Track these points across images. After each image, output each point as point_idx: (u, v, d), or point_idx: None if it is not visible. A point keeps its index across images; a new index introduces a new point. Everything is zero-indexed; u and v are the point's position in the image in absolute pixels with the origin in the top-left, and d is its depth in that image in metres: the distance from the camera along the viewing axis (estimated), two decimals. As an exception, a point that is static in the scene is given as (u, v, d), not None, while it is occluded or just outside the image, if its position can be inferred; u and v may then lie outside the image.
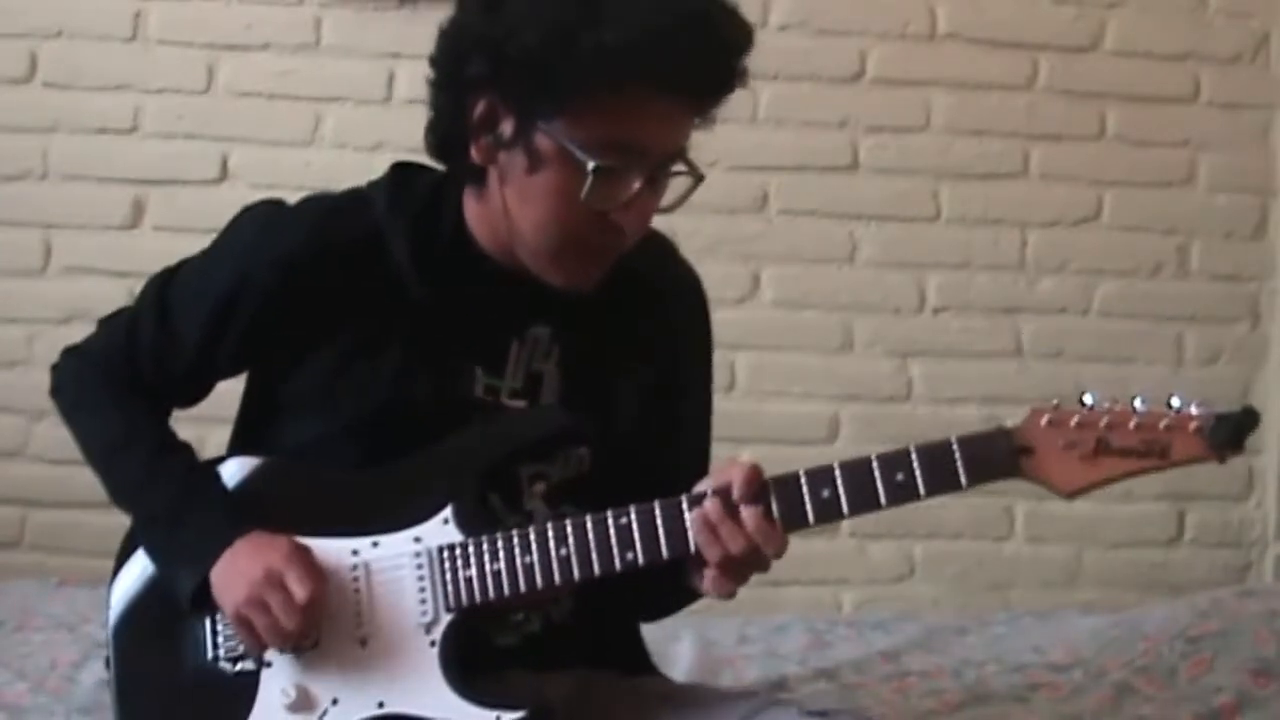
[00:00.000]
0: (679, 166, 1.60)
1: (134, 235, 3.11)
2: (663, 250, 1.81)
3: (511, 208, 1.60)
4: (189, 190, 3.11)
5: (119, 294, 2.97)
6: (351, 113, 3.10)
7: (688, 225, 3.10)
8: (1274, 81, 3.26)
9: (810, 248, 3.20)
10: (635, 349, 1.72)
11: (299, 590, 1.55)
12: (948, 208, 3.23)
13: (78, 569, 2.82)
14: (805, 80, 3.19)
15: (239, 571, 1.58)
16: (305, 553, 1.58)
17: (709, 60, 1.54)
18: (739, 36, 1.56)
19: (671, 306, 1.78)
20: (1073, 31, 3.22)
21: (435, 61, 1.62)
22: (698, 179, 1.60)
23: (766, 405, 3.16)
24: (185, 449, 1.72)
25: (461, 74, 1.58)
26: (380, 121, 3.06)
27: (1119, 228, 3.25)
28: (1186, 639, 2.38)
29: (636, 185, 1.55)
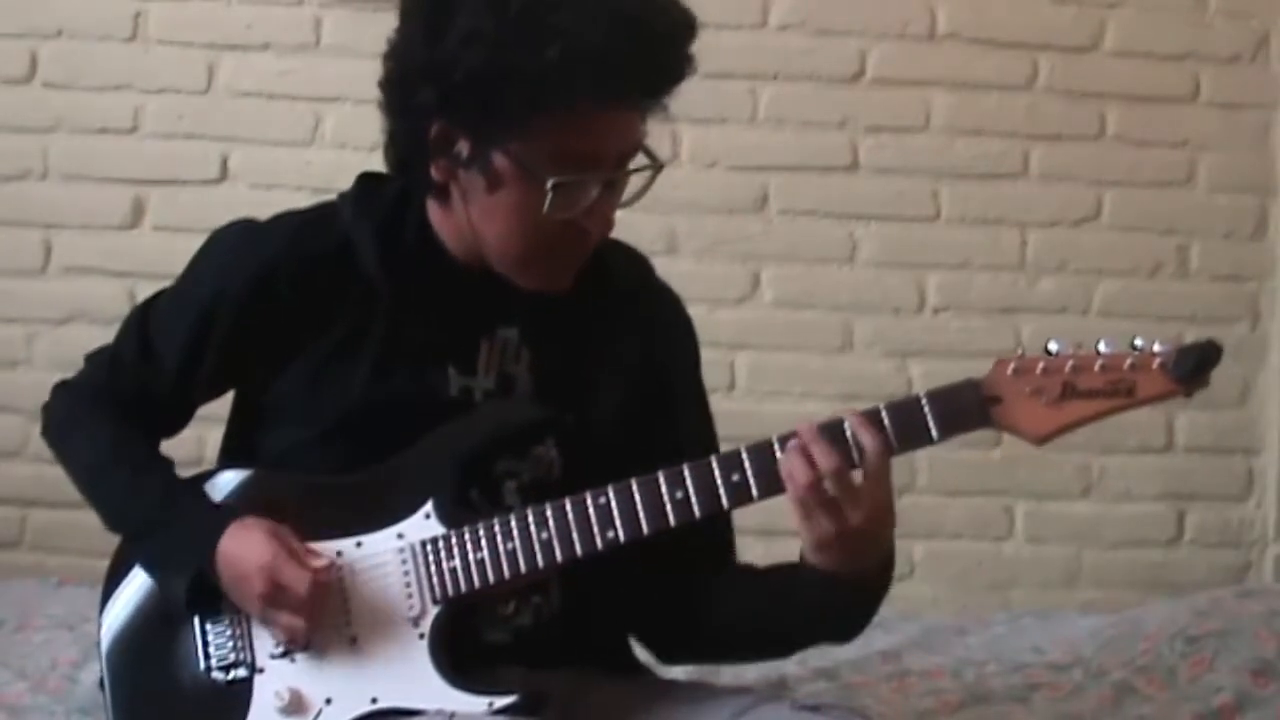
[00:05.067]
0: (638, 161, 1.61)
1: (134, 235, 3.11)
2: (641, 269, 1.82)
3: (476, 222, 1.63)
4: (189, 190, 3.11)
5: (119, 294, 2.98)
6: (351, 113, 3.09)
7: (688, 225, 3.13)
8: (1274, 81, 3.26)
9: (810, 248, 3.20)
10: (614, 363, 1.73)
11: (298, 583, 1.57)
12: (947, 208, 3.23)
13: (78, 569, 2.82)
14: (805, 80, 3.19)
15: (239, 578, 1.60)
16: (287, 543, 1.60)
17: (651, 61, 1.54)
18: (678, 29, 1.57)
19: (654, 325, 1.79)
20: (1073, 31, 3.22)
21: (383, 86, 1.63)
22: (657, 168, 1.62)
23: (766, 405, 3.16)
24: (167, 463, 1.74)
25: (411, 101, 1.59)
26: (380, 121, 3.06)
27: (1119, 228, 3.25)
28: (1186, 639, 2.38)
29: (596, 191, 1.57)
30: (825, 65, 3.19)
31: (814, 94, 3.19)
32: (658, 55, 1.55)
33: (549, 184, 1.54)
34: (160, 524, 1.68)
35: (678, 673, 1.86)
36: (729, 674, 2.29)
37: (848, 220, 3.21)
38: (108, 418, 1.74)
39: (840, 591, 1.57)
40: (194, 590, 1.63)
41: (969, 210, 3.23)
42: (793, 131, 3.19)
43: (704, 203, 3.09)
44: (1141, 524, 3.26)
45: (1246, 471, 3.28)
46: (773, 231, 3.20)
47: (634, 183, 1.62)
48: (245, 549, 1.60)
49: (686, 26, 1.58)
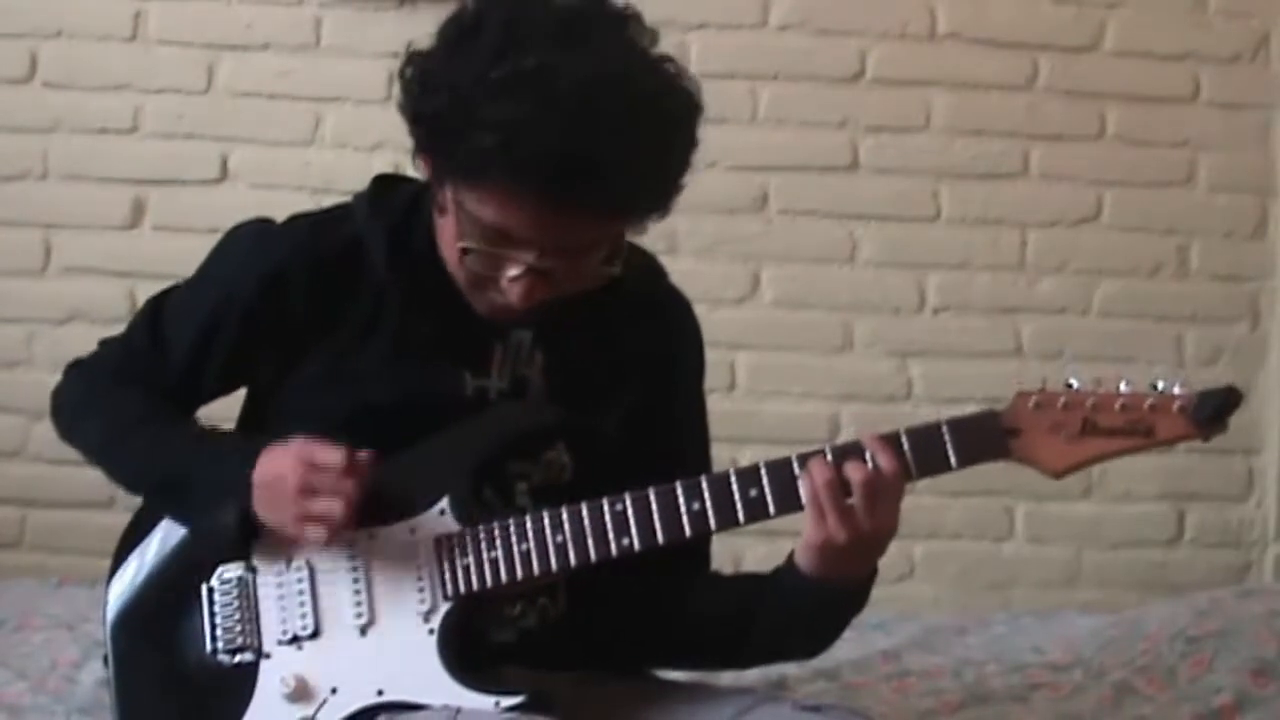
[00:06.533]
0: (593, 261, 1.57)
1: (134, 235, 3.11)
2: (654, 273, 1.82)
3: (438, 231, 1.64)
4: (189, 190, 3.11)
5: (119, 294, 2.98)
6: (351, 113, 3.10)
7: (688, 225, 3.13)
8: (1274, 81, 3.26)
9: (810, 248, 3.21)
10: (624, 366, 1.73)
11: (332, 457, 1.56)
12: (948, 208, 3.23)
13: (78, 569, 2.82)
14: (805, 80, 3.19)
15: (273, 479, 1.59)
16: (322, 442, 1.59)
17: (589, 184, 1.47)
18: (631, 163, 1.48)
19: (665, 331, 1.79)
20: (1073, 31, 3.22)
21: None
22: (611, 278, 1.58)
23: (766, 405, 3.17)
24: (189, 419, 1.74)
25: (401, 101, 1.60)
26: (380, 121, 3.05)
27: (1119, 228, 3.25)
28: (1186, 639, 2.38)
29: (514, 271, 1.55)
30: (825, 65, 3.19)
31: (814, 94, 3.19)
32: (598, 181, 1.48)
33: (459, 245, 1.55)
34: (197, 464, 1.66)
35: (679, 674, 1.86)
36: (729, 675, 2.29)
37: (848, 220, 3.21)
38: (120, 387, 1.74)
39: (816, 599, 1.59)
40: (244, 519, 1.61)
41: (969, 210, 3.23)
42: (793, 131, 3.19)
43: (704, 203, 3.09)
44: (1141, 524, 3.26)
45: (1246, 471, 3.28)
46: (773, 231, 3.20)
47: (586, 273, 1.58)
48: (279, 453, 1.59)
49: (646, 161, 1.50)
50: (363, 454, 1.58)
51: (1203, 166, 3.25)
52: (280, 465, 1.59)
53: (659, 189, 1.56)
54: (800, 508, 1.53)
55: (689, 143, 1.57)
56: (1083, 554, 3.25)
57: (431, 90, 1.54)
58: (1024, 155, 3.23)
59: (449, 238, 1.60)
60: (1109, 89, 3.23)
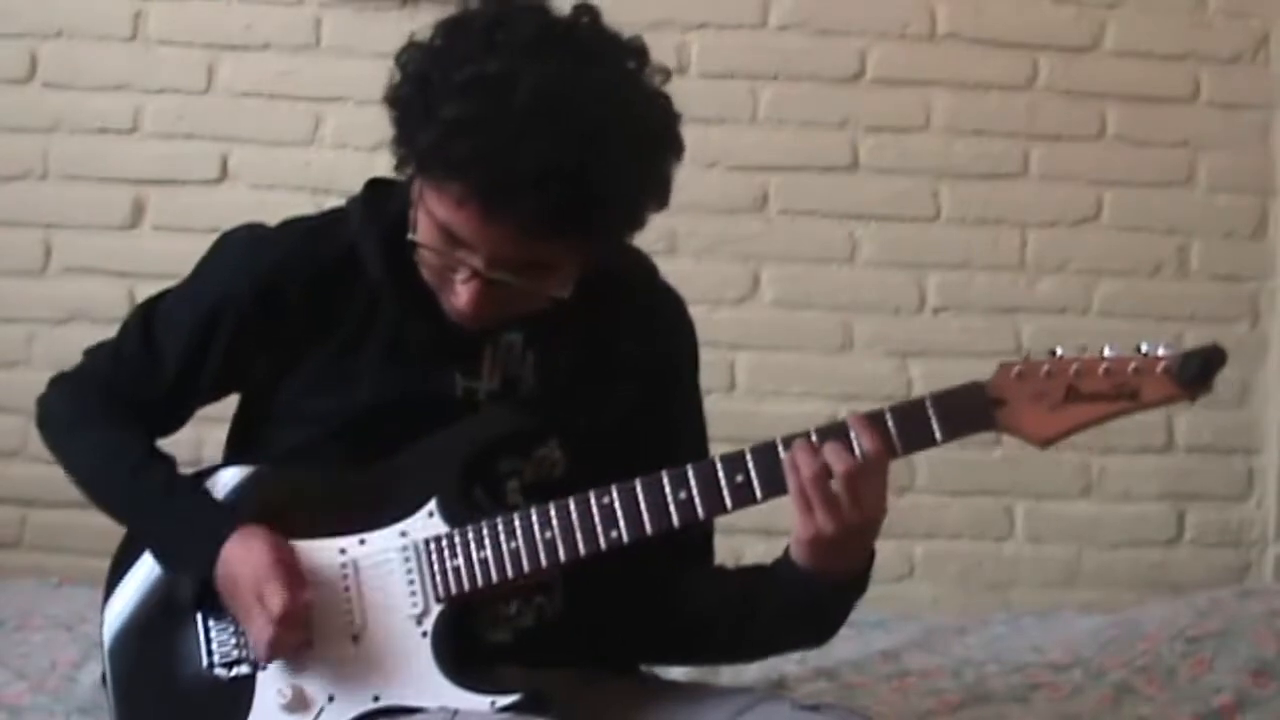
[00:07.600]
0: (556, 283, 1.57)
1: (134, 235, 3.11)
2: (646, 271, 1.81)
3: None
4: (189, 190, 3.11)
5: (119, 294, 2.98)
6: (351, 113, 3.09)
7: (688, 225, 3.14)
8: (1274, 81, 3.26)
9: (810, 248, 3.21)
10: (618, 365, 1.73)
11: (274, 603, 1.56)
12: (948, 208, 3.23)
13: (78, 569, 2.82)
14: (805, 80, 3.19)
15: (233, 578, 1.61)
16: (286, 560, 1.60)
17: (535, 203, 1.47)
18: (542, 179, 1.45)
19: (659, 328, 1.79)
20: (1073, 31, 3.22)
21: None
22: (557, 299, 1.59)
23: (766, 405, 3.16)
24: (168, 461, 1.74)
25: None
26: (380, 121, 3.02)
27: (1119, 228, 3.25)
28: (1186, 639, 2.38)
29: (461, 274, 1.55)
30: (825, 65, 3.19)
31: (814, 94, 3.19)
32: (534, 196, 1.46)
33: (409, 237, 1.56)
34: (162, 527, 1.68)
35: (677, 673, 1.87)
36: (729, 674, 2.29)
37: (848, 220, 3.21)
38: (106, 415, 1.74)
39: (815, 591, 1.59)
40: (200, 593, 1.64)
41: (969, 210, 3.23)
42: (793, 131, 3.19)
43: (704, 203, 3.09)
44: (1141, 524, 3.25)
45: (1246, 471, 3.28)
46: (773, 231, 3.20)
47: (539, 294, 1.58)
48: (243, 555, 1.60)
49: (595, 186, 1.47)
50: (304, 598, 1.58)
51: (1203, 166, 3.25)
52: (241, 570, 1.59)
53: (610, 218, 1.55)
54: (786, 491, 1.53)
55: (655, 178, 1.56)
56: (1082, 554, 3.25)
57: (405, 80, 1.55)
58: (1024, 155, 3.23)
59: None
60: (1109, 89, 3.23)
